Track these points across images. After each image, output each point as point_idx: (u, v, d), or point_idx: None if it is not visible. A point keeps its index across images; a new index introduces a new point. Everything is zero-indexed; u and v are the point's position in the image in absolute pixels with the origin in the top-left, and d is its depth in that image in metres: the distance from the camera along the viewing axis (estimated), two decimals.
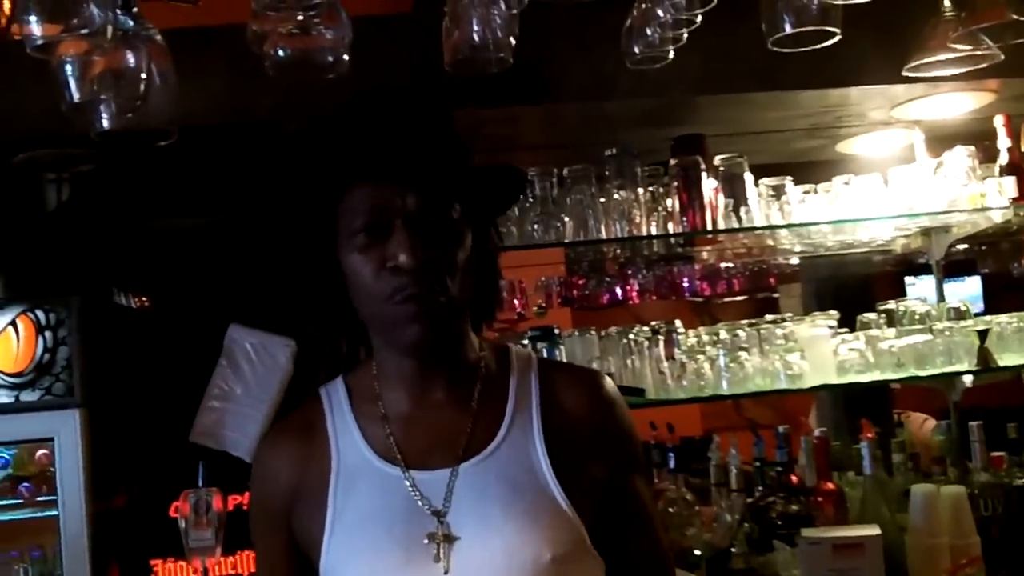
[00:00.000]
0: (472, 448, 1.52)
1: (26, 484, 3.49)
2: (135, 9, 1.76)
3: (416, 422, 1.56)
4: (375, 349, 1.60)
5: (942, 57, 2.81)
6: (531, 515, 1.47)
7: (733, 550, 2.98)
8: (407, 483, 1.51)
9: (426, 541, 1.46)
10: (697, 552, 3.01)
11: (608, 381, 1.67)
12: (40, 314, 3.28)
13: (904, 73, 3.02)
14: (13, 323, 3.28)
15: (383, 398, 1.59)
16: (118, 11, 1.69)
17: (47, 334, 3.27)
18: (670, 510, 3.18)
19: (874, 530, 2.69)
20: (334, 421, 1.60)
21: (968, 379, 3.60)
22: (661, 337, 3.36)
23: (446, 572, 1.44)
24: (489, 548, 1.45)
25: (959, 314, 3.52)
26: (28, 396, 3.27)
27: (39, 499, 3.44)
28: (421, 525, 1.47)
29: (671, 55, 1.86)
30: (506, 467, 1.51)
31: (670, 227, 3.37)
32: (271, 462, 1.63)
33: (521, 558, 1.44)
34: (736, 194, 3.39)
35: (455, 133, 1.54)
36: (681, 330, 3.44)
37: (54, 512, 3.29)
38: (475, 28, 1.74)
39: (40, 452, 3.45)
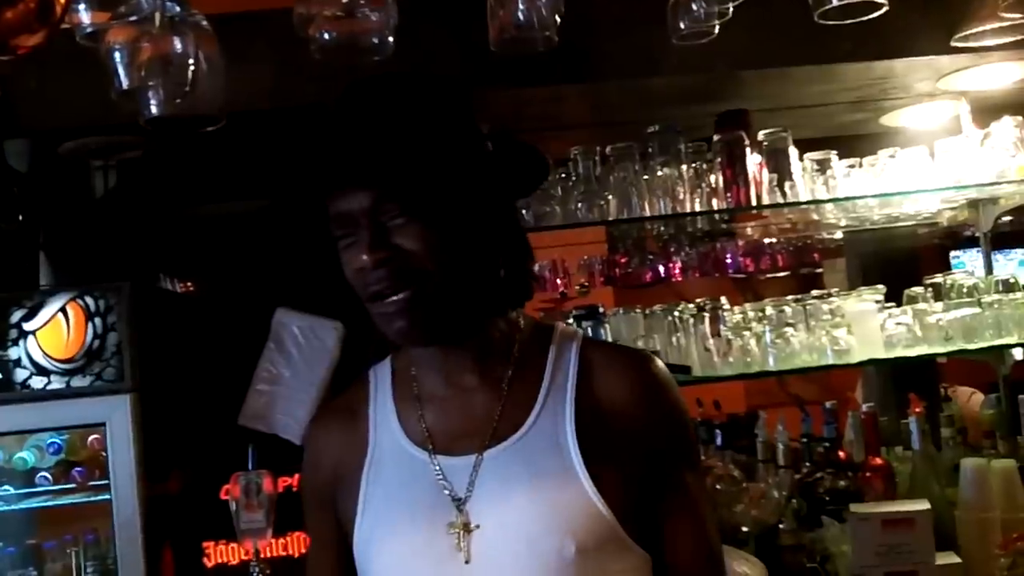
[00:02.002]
0: (499, 433, 1.49)
1: (79, 469, 3.52)
2: None
3: (448, 405, 1.55)
4: None
5: (992, 26, 2.77)
6: (555, 505, 1.43)
7: (781, 526, 2.97)
8: (434, 468, 1.50)
9: (447, 529, 1.45)
10: (745, 529, 3.01)
11: (658, 364, 1.58)
12: (89, 300, 3.31)
13: (953, 43, 2.99)
14: (63, 310, 3.31)
15: (418, 381, 1.58)
16: None
17: (97, 320, 3.30)
18: (718, 487, 3.17)
19: (924, 505, 2.67)
20: (376, 402, 1.61)
21: (1018, 352, 3.57)
22: (706, 314, 3.36)
23: (467, 562, 1.43)
24: (510, 538, 1.43)
25: (1008, 287, 3.48)
26: (79, 382, 3.30)
27: (92, 484, 3.48)
28: (444, 512, 1.46)
29: (716, 30, 1.85)
30: (533, 454, 1.47)
31: (714, 203, 3.36)
32: (317, 442, 1.65)
33: (543, 549, 1.41)
34: (780, 169, 3.37)
35: (434, 116, 1.49)
36: (727, 307, 3.43)
37: (107, 496, 3.32)
38: (520, 7, 1.73)
39: (92, 437, 3.49)
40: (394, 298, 1.43)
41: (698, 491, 1.58)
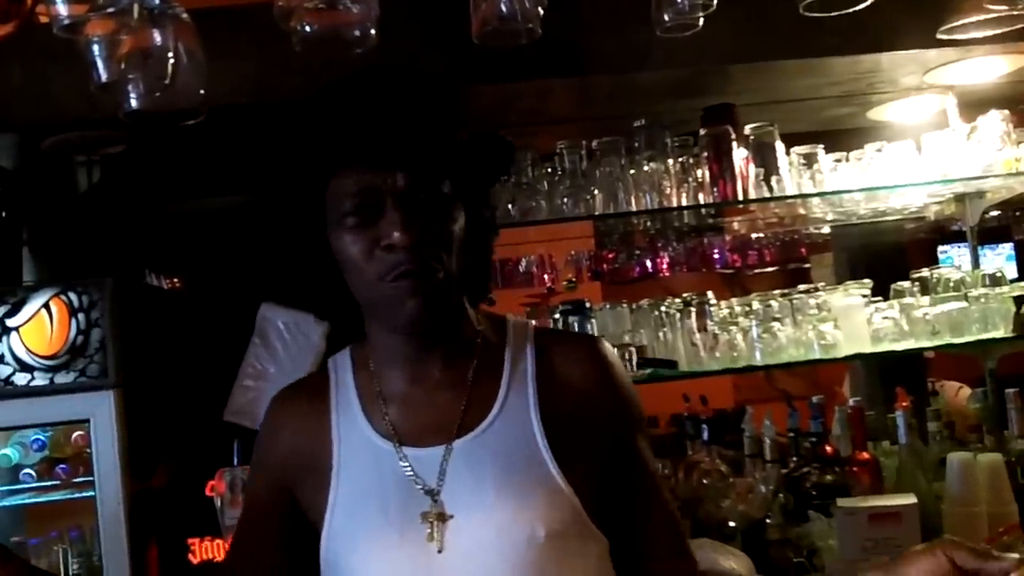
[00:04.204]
0: (466, 425, 1.51)
1: (63, 466, 3.51)
2: None
3: (412, 401, 1.56)
4: (369, 330, 1.61)
5: (978, 18, 2.77)
6: (525, 492, 1.46)
7: (768, 521, 2.98)
8: (401, 461, 1.51)
9: (420, 520, 1.46)
10: (732, 523, 3.01)
11: (606, 344, 1.64)
12: (73, 296, 3.29)
13: (938, 36, 2.98)
14: (46, 306, 3.29)
15: (380, 377, 1.59)
16: None
17: (80, 316, 3.28)
18: (704, 482, 3.17)
19: (910, 499, 2.67)
20: (338, 394, 1.61)
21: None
22: (693, 309, 3.36)
23: (440, 551, 1.44)
24: (482, 526, 1.44)
25: (995, 280, 3.49)
26: (63, 378, 3.28)
27: (76, 480, 3.47)
28: (415, 503, 1.47)
29: (701, 23, 1.84)
30: (500, 443, 1.50)
31: (701, 198, 3.36)
32: (276, 426, 1.65)
33: (514, 536, 1.43)
34: (767, 163, 3.37)
35: (443, 106, 1.51)
36: (713, 301, 3.44)
37: (91, 493, 3.31)
38: None
39: (76, 434, 3.47)
40: (420, 278, 1.44)
41: (653, 461, 1.64)
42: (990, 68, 3.47)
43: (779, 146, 3.40)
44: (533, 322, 1.69)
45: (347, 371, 1.63)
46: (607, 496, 1.54)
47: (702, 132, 3.40)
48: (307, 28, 1.73)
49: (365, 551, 1.48)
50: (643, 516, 1.59)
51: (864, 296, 3.43)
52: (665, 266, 4.94)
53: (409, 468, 1.50)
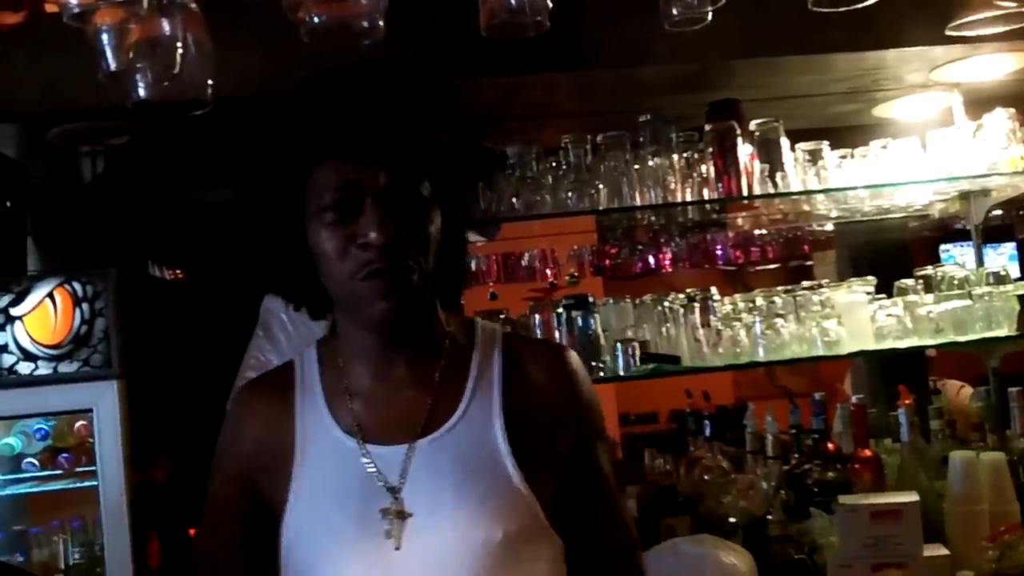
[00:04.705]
0: (431, 425, 1.52)
1: (65, 455, 3.52)
2: None
3: (378, 398, 1.56)
4: (339, 325, 1.61)
5: (987, 15, 2.77)
6: (484, 494, 1.47)
7: (769, 517, 2.97)
8: (364, 457, 1.51)
9: (380, 516, 1.47)
10: (733, 519, 3.01)
11: (572, 354, 1.67)
12: (77, 286, 3.29)
13: (947, 33, 2.98)
14: (50, 295, 3.29)
15: (347, 372, 1.59)
16: None
17: (84, 306, 3.29)
18: (706, 478, 3.17)
19: (912, 497, 2.68)
20: (303, 389, 1.61)
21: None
22: (696, 305, 3.36)
23: (397, 548, 1.45)
24: (440, 526, 1.46)
25: (999, 279, 3.48)
26: (66, 368, 3.29)
27: (78, 470, 3.47)
28: (376, 500, 1.48)
29: (709, 16, 1.84)
30: (463, 444, 1.51)
31: (705, 193, 3.36)
32: (241, 418, 1.65)
33: (471, 537, 1.44)
34: (772, 159, 3.37)
35: (428, 108, 1.53)
36: (717, 297, 3.43)
37: (94, 483, 3.31)
38: None
39: (79, 423, 3.48)
40: (393, 278, 1.45)
41: (611, 472, 1.68)
42: (996, 66, 3.46)
43: (784, 142, 3.39)
44: (500, 328, 1.72)
45: (313, 365, 1.64)
46: (565, 500, 1.57)
47: (707, 128, 3.39)
48: (315, 19, 1.73)
49: (323, 545, 1.49)
50: (597, 520, 1.64)
51: (868, 293, 3.43)
52: (667, 262, 4.93)
53: (372, 465, 1.51)
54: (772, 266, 5.27)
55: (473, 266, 4.80)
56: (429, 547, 1.45)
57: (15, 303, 3.29)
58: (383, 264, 1.44)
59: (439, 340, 1.60)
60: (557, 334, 3.24)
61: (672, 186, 3.33)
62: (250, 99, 2.76)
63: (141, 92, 1.73)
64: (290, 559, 1.53)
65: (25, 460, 3.52)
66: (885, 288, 3.54)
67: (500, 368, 1.59)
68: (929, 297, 3.44)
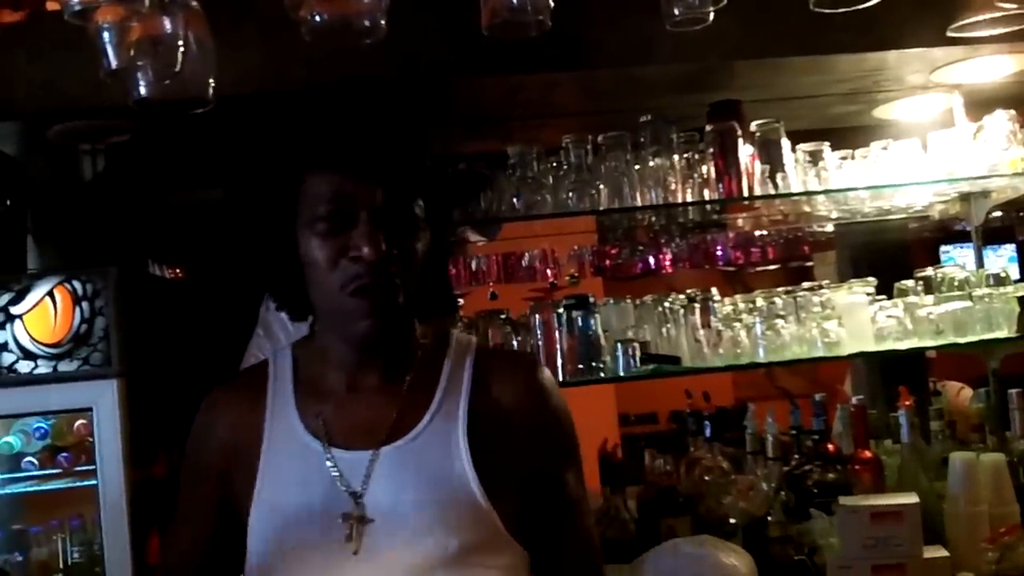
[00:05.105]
0: (396, 432, 1.54)
1: (65, 454, 3.51)
2: None
3: (347, 404, 1.58)
4: (319, 330, 1.63)
5: (988, 16, 2.77)
6: (442, 504, 1.49)
7: (769, 518, 2.97)
8: (328, 461, 1.53)
9: (340, 521, 1.48)
10: (733, 520, 3.01)
11: (545, 370, 1.68)
12: (77, 285, 3.29)
13: (948, 34, 2.97)
14: (50, 294, 3.29)
15: (321, 377, 1.61)
16: None
17: (84, 305, 3.28)
18: (706, 478, 3.17)
19: (912, 498, 2.68)
20: (275, 390, 1.63)
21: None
22: (697, 305, 3.36)
23: (355, 553, 1.47)
24: (397, 533, 1.48)
25: (999, 280, 3.48)
26: (66, 366, 3.28)
27: (78, 469, 3.46)
28: (338, 504, 1.50)
29: (711, 17, 1.83)
30: (425, 453, 1.53)
31: (706, 194, 3.35)
32: (211, 418, 1.66)
33: (427, 544, 1.47)
34: (773, 160, 3.37)
35: (420, 128, 1.56)
36: (717, 298, 3.43)
37: (93, 482, 3.31)
38: None
39: (79, 422, 3.47)
40: (379, 296, 1.48)
41: (579, 490, 1.68)
42: (997, 67, 3.46)
43: (785, 143, 3.39)
44: (475, 340, 1.74)
45: (287, 368, 1.65)
46: (528, 513, 1.58)
47: (708, 128, 3.39)
48: (317, 18, 1.73)
49: (284, 545, 1.51)
50: (560, 539, 1.64)
51: (868, 294, 3.43)
52: (668, 262, 4.93)
53: (335, 469, 1.52)
54: (772, 267, 5.28)
55: (474, 266, 4.81)
56: (386, 552, 1.47)
57: (15, 301, 3.29)
58: (371, 280, 1.46)
59: (412, 351, 1.62)
60: (557, 334, 3.24)
61: (673, 186, 3.33)
62: (251, 98, 2.77)
63: (142, 90, 1.73)
64: (254, 558, 1.55)
65: (24, 459, 3.51)
66: (885, 289, 3.53)
67: (470, 380, 1.61)
68: (929, 298, 3.44)
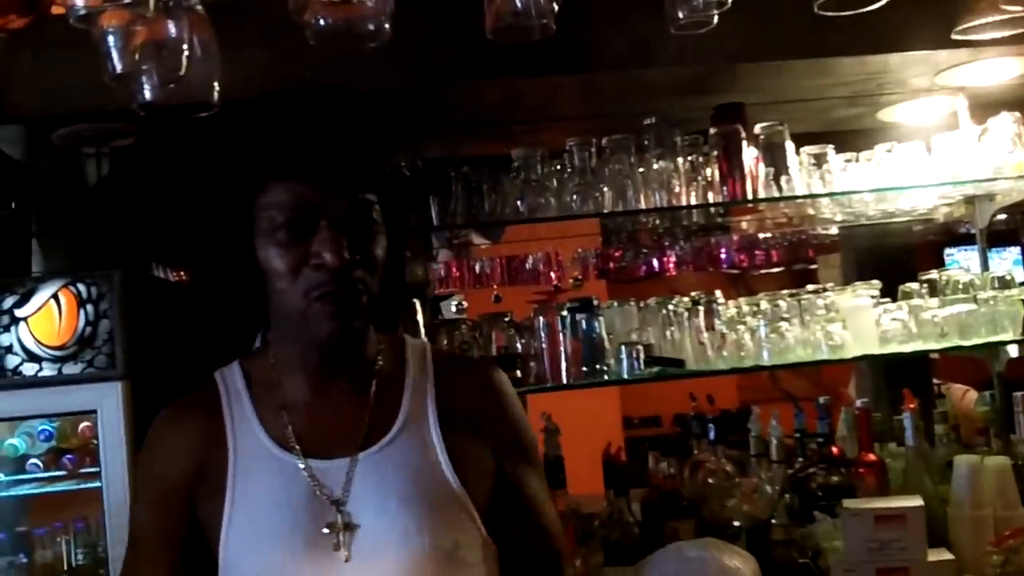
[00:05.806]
0: (371, 438, 1.56)
1: (69, 456, 3.51)
2: None
3: (315, 412, 1.59)
4: (275, 339, 1.63)
5: (993, 19, 2.76)
6: (428, 503, 1.52)
7: (774, 521, 2.97)
8: (305, 473, 1.53)
9: (326, 530, 1.49)
10: (737, 523, 3.01)
11: (499, 371, 1.74)
12: (81, 287, 3.28)
13: (953, 36, 2.97)
14: (55, 297, 3.29)
15: (282, 387, 1.60)
16: None
17: (89, 307, 3.28)
18: (710, 481, 3.18)
19: (917, 501, 2.67)
20: (231, 407, 1.62)
21: (1013, 349, 3.56)
22: (701, 308, 3.36)
23: (347, 560, 1.48)
24: (388, 535, 1.49)
25: (1004, 283, 3.48)
26: (70, 369, 3.28)
27: (82, 471, 3.46)
28: (321, 514, 1.50)
29: (715, 20, 1.84)
30: (403, 456, 1.55)
31: (710, 196, 3.35)
32: (172, 437, 1.64)
33: (418, 544, 1.48)
34: (777, 163, 3.36)
35: (373, 136, 1.58)
36: (721, 301, 3.43)
37: (97, 484, 3.30)
38: None
39: (83, 424, 3.47)
40: (343, 300, 1.49)
41: (538, 488, 1.72)
42: (1002, 70, 3.45)
43: (789, 146, 3.39)
44: (427, 343, 1.80)
45: (239, 383, 1.64)
46: (495, 513, 1.62)
47: (712, 131, 3.38)
48: (321, 22, 1.74)
49: (269, 560, 1.50)
50: (521, 542, 1.67)
51: (872, 297, 3.43)
52: (671, 265, 4.94)
53: (314, 480, 1.52)
54: (776, 269, 5.28)
55: (477, 268, 4.82)
56: (377, 555, 1.48)
57: (20, 304, 3.28)
58: (334, 287, 1.47)
59: (372, 359, 1.64)
60: (561, 337, 3.24)
61: (676, 189, 3.33)
62: (255, 101, 2.77)
63: (147, 94, 1.74)
64: (233, 573, 1.53)
65: (29, 461, 3.51)
66: (890, 292, 3.53)
67: (433, 383, 1.64)
68: (934, 301, 3.43)
